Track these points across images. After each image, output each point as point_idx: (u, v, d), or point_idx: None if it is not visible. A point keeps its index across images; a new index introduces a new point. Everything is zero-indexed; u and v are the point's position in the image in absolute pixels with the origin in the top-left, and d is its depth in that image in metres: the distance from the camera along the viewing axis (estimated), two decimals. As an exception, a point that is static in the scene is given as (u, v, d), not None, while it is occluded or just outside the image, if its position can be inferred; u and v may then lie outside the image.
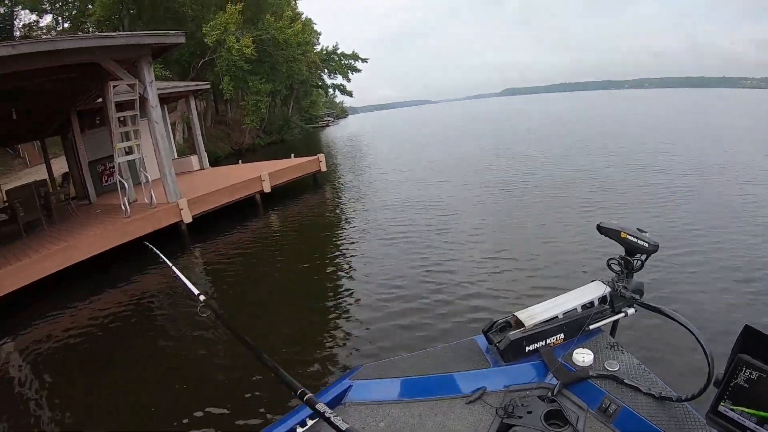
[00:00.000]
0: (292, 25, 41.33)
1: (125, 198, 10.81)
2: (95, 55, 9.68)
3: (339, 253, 9.04)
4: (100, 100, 12.79)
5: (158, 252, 3.73)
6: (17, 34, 37.45)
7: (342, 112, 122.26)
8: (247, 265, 9.32)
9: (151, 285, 8.96)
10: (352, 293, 6.91)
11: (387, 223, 10.26)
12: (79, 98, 13.44)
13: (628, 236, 2.63)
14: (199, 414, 4.47)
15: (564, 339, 2.52)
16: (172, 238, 10.99)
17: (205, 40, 34.63)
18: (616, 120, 33.62)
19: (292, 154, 17.27)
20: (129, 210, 10.71)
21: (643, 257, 2.67)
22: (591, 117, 39.29)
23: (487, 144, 24.08)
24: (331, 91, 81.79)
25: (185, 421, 4.42)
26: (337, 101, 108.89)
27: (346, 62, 75.14)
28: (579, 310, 2.61)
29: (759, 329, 1.46)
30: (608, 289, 2.64)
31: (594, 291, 2.69)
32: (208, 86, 24.29)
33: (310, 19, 53.34)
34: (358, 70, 76.21)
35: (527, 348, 2.49)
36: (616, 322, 2.68)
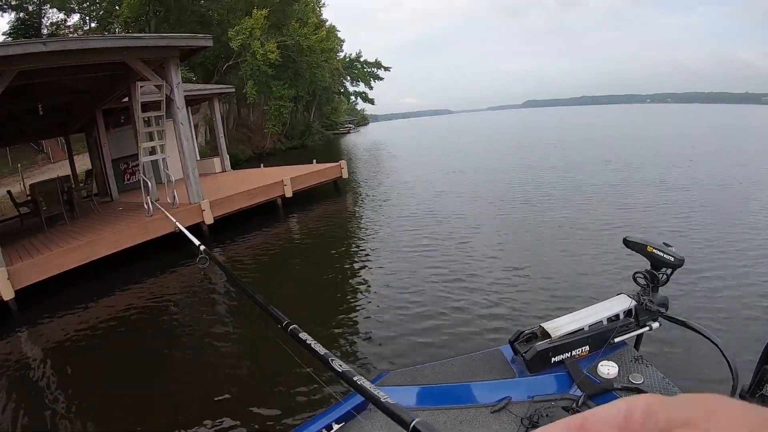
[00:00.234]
0: (316, 31, 41.54)
1: (148, 197, 10.85)
2: (124, 55, 9.73)
3: (358, 262, 8.95)
4: (125, 99, 12.89)
5: (164, 210, 3.77)
6: (44, 32, 37.94)
7: (363, 120, 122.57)
8: (265, 269, 9.30)
9: (172, 284, 8.97)
10: (370, 304, 6.81)
11: (407, 234, 10.15)
12: (105, 97, 13.53)
13: (654, 250, 2.59)
14: (216, 411, 4.44)
15: (589, 351, 2.50)
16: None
17: (231, 44, 34.85)
18: (643, 135, 33.30)
19: (314, 160, 17.27)
20: (151, 209, 10.74)
21: (669, 271, 2.63)
22: (622, 132, 38.94)
23: (509, 156, 23.93)
24: (352, 98, 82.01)
25: (203, 418, 4.39)
26: (359, 108, 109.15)
27: (368, 70, 75.35)
28: (604, 322, 2.59)
29: None
30: (634, 303, 2.62)
31: (619, 304, 2.66)
32: (233, 90, 24.40)
33: (334, 26, 53.56)
34: (381, 79, 76.37)
35: (553, 359, 2.47)
36: (640, 335, 2.65)
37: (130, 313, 7.58)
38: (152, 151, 11.28)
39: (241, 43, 34.76)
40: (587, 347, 2.50)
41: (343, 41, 63.45)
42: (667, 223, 9.35)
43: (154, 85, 10.40)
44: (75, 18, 41.07)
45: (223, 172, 20.32)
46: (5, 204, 17.63)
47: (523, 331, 2.64)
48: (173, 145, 11.22)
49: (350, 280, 8.00)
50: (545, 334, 2.55)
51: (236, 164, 24.67)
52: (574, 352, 2.49)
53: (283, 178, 13.80)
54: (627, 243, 2.74)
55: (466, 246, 8.83)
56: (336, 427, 2.32)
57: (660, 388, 2.17)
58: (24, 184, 22.03)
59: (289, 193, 13.84)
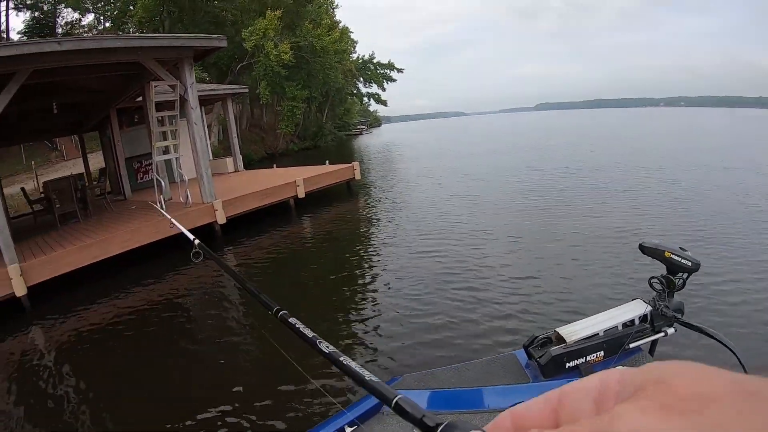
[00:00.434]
0: (329, 33, 41.67)
1: (161, 196, 10.87)
2: (138, 54, 9.76)
3: (370, 266, 8.88)
4: (139, 99, 12.94)
5: (163, 211, 3.80)
6: (59, 31, 38.27)
7: (375, 121, 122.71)
8: (276, 270, 9.28)
9: (183, 283, 8.98)
10: (382, 308, 6.71)
11: (419, 238, 10.03)
12: (119, 96, 13.59)
13: (671, 255, 2.55)
14: (225, 413, 4.42)
15: (604, 357, 2.47)
16: (205, 238, 10.96)
17: (244, 44, 35.03)
18: (659, 139, 33.10)
19: (327, 161, 17.26)
20: (164, 208, 10.75)
21: (685, 276, 2.59)
22: (639, 135, 38.70)
23: (522, 160, 23.81)
24: (365, 99, 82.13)
25: (212, 419, 4.36)
26: (371, 110, 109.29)
27: (381, 71, 75.52)
28: (620, 328, 2.56)
29: None
30: (649, 308, 2.58)
31: (635, 309, 2.62)
32: (246, 90, 24.49)
33: (347, 27, 53.70)
34: (394, 80, 76.55)
35: (567, 364, 2.44)
36: (655, 341, 2.60)
37: (141, 312, 7.58)
38: (166, 151, 11.32)
39: (254, 43, 34.91)
40: (602, 353, 2.48)
41: (356, 42, 63.66)
42: (681, 227, 9.26)
43: (168, 85, 10.43)
44: (89, 18, 41.53)
45: (235, 172, 20.39)
46: (19, 201, 17.74)
47: (538, 336, 2.61)
48: (186, 144, 11.25)
49: (362, 284, 7.93)
50: (560, 339, 2.52)
51: (249, 164, 24.75)
52: (588, 358, 2.46)
53: (296, 179, 13.79)
54: (643, 249, 2.71)
55: (478, 251, 8.73)
56: (348, 430, 2.29)
57: None
58: (38, 182, 22.19)
59: (301, 194, 13.83)
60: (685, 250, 2.57)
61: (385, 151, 39.41)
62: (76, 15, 40.53)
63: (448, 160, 26.56)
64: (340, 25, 51.63)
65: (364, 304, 7.04)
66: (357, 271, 8.62)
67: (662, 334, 2.57)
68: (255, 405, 4.56)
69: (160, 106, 10.74)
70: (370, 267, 8.79)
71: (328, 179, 15.31)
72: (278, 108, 43.40)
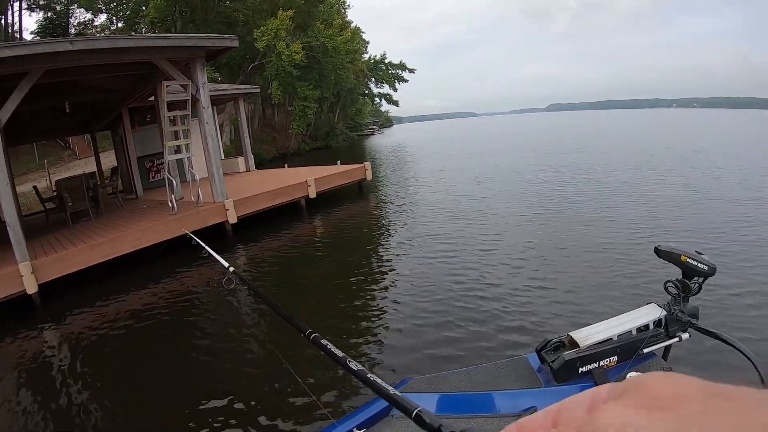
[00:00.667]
0: (341, 33, 41.73)
1: (173, 195, 10.90)
2: (150, 54, 9.79)
3: (380, 267, 8.79)
4: (151, 98, 12.98)
5: (192, 235, 3.81)
6: (72, 31, 38.56)
7: (387, 121, 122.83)
8: (286, 271, 9.24)
9: (193, 282, 8.97)
10: (391, 310, 6.62)
11: (430, 239, 9.92)
12: (131, 95, 13.65)
13: (688, 259, 2.50)
14: (232, 413, 4.39)
15: (617, 362, 2.43)
16: (216, 237, 11.04)
17: (256, 44, 35.13)
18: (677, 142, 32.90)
19: (338, 161, 17.25)
20: (176, 207, 10.78)
21: (701, 280, 2.54)
22: (653, 137, 38.47)
23: (534, 161, 23.69)
24: (377, 99, 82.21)
25: (219, 420, 4.34)
26: (383, 110, 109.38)
27: (393, 72, 75.57)
28: (634, 332, 2.51)
29: None
30: (664, 312, 2.53)
31: (649, 313, 2.58)
32: (258, 90, 24.54)
33: (358, 27, 53.73)
34: (405, 80, 76.61)
35: (580, 369, 2.40)
36: (669, 346, 2.56)
37: (151, 311, 7.58)
38: (177, 150, 11.35)
39: (266, 43, 35.00)
40: (615, 357, 2.44)
41: (367, 43, 63.68)
42: (696, 231, 9.16)
43: (180, 85, 10.45)
44: (102, 18, 41.82)
45: (247, 171, 20.45)
46: (31, 199, 17.85)
47: (551, 340, 2.57)
48: (198, 144, 11.27)
49: (372, 286, 7.85)
50: (573, 344, 2.48)
51: (260, 164, 24.81)
52: (602, 363, 2.43)
53: (308, 179, 13.79)
54: (659, 252, 2.66)
55: (489, 254, 8.63)
56: None
57: None
58: (50, 180, 22.34)
59: (313, 194, 13.82)
60: (702, 254, 2.52)
61: (397, 152, 39.32)
62: (89, 15, 40.91)
63: (460, 161, 26.48)
64: (352, 25, 51.66)
65: (373, 305, 6.98)
66: (367, 273, 8.57)
67: (676, 339, 2.53)
68: (264, 407, 4.54)
69: (172, 105, 10.77)
70: (380, 268, 8.73)
71: (339, 179, 15.30)
72: (290, 108, 43.49)
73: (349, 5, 54.58)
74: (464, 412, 2.33)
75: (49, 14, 38.73)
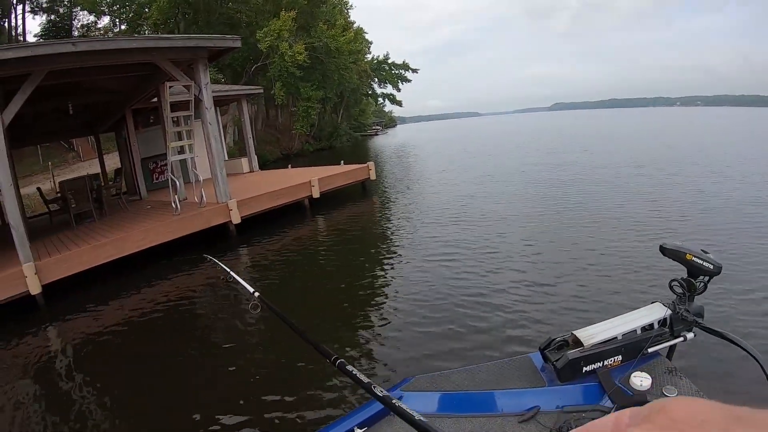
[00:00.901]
0: (344, 33, 41.76)
1: (176, 196, 10.90)
2: (153, 55, 9.80)
3: (383, 268, 8.72)
4: (155, 99, 13.00)
5: (217, 261, 3.80)
6: (75, 34, 38.74)
7: (390, 122, 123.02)
8: (289, 271, 9.21)
9: (197, 282, 8.98)
10: (393, 311, 6.58)
11: (433, 239, 9.86)
12: (135, 97, 13.68)
13: (693, 258, 2.48)
14: (233, 414, 4.39)
15: (622, 361, 2.41)
16: (220, 238, 11.05)
17: (259, 45, 35.19)
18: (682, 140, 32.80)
19: (342, 161, 17.25)
20: (179, 207, 10.79)
21: (706, 279, 2.52)
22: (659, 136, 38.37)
23: (538, 161, 23.63)
24: (380, 100, 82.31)
25: (220, 421, 4.34)
26: (386, 110, 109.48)
27: (396, 72, 75.63)
28: (638, 332, 2.49)
29: None
30: (669, 312, 2.51)
31: (654, 313, 2.55)
32: (261, 91, 24.58)
33: (361, 28, 53.76)
34: (408, 80, 76.69)
35: (584, 368, 2.38)
36: (674, 346, 2.54)
37: (155, 312, 7.58)
38: (181, 151, 11.36)
39: (269, 44, 35.04)
40: (620, 357, 2.42)
41: (370, 43, 63.72)
42: (703, 230, 9.12)
43: (183, 86, 10.46)
44: (105, 20, 41.98)
45: (251, 172, 20.48)
46: (35, 201, 17.90)
47: (555, 339, 2.55)
48: (202, 144, 11.27)
49: (375, 286, 7.81)
50: (577, 342, 2.46)
51: (264, 165, 24.82)
52: (606, 362, 2.41)
53: (311, 179, 13.79)
54: (664, 250, 2.64)
55: (493, 253, 8.58)
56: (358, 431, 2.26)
57: None
58: (54, 182, 22.43)
59: (316, 194, 13.82)
60: (707, 253, 2.50)
61: (401, 152, 39.29)
62: (92, 18, 41.11)
63: (463, 161, 26.46)
64: (355, 25, 51.67)
65: (376, 306, 6.94)
66: (370, 274, 8.54)
67: (681, 338, 2.51)
68: (266, 406, 4.53)
69: (175, 106, 10.77)
70: (383, 269, 8.70)
71: (342, 179, 15.29)
72: (293, 109, 43.55)
73: (351, 6, 54.71)
74: (466, 411, 2.32)
75: (53, 17, 38.92)
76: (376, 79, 73.74)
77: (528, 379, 2.46)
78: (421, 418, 1.00)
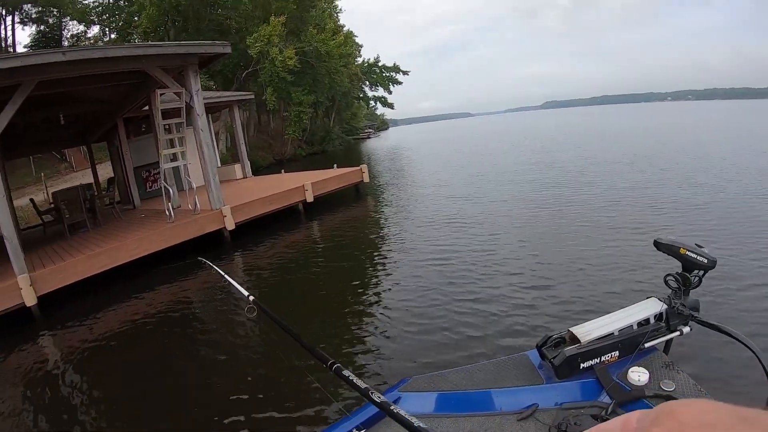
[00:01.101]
0: (334, 37, 41.80)
1: (170, 203, 10.89)
2: (142, 63, 9.78)
3: (377, 270, 8.74)
4: (146, 108, 12.98)
5: (211, 264, 3.82)
6: (65, 44, 38.69)
7: (383, 124, 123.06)
8: (283, 276, 9.20)
9: (192, 289, 8.97)
10: (388, 313, 6.58)
11: (427, 243, 9.78)
12: (126, 105, 13.65)
13: (687, 252, 2.50)
14: (240, 415, 4.39)
15: (619, 357, 2.42)
16: (214, 244, 11.03)
17: (249, 51, 35.15)
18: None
19: (335, 165, 17.27)
20: (173, 215, 10.77)
21: (701, 273, 2.54)
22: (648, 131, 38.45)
23: (530, 160, 23.63)
24: (372, 103, 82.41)
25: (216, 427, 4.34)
26: (378, 113, 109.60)
27: (387, 74, 75.79)
28: (635, 327, 2.50)
29: None
30: (665, 306, 2.52)
31: (650, 308, 2.57)
32: (252, 96, 24.60)
33: (351, 31, 53.82)
34: (399, 83, 76.82)
35: (582, 365, 2.39)
36: (670, 340, 2.55)
37: (151, 320, 7.57)
38: (173, 158, 11.33)
39: (259, 50, 35.01)
40: (617, 353, 2.43)
41: (361, 46, 63.82)
42: (698, 224, 9.15)
43: (174, 93, 10.44)
44: (95, 30, 41.94)
45: (244, 178, 20.47)
46: (29, 212, 17.85)
47: (551, 336, 2.56)
48: (194, 152, 11.26)
49: (369, 290, 7.79)
50: (574, 339, 2.47)
51: (257, 171, 24.84)
52: (603, 358, 2.42)
53: (304, 183, 13.77)
54: (658, 245, 2.66)
55: (488, 253, 8.58)
56: None
57: (692, 394, 2.09)
58: (47, 193, 22.38)
59: (310, 198, 13.81)
60: (702, 247, 2.52)
61: (393, 154, 39.34)
62: (82, 27, 41.06)
63: (455, 162, 26.52)
64: (344, 29, 51.72)
65: (371, 310, 6.91)
66: (365, 277, 8.53)
67: (678, 333, 2.52)
68: (262, 410, 4.54)
69: (167, 113, 10.75)
70: (378, 272, 8.69)
71: (336, 183, 15.30)
72: (285, 114, 43.57)
73: (341, 9, 54.75)
74: (465, 411, 2.32)
75: (42, 27, 38.85)
76: (367, 82, 73.88)
77: (525, 377, 2.47)
78: (420, 425, 1.01)
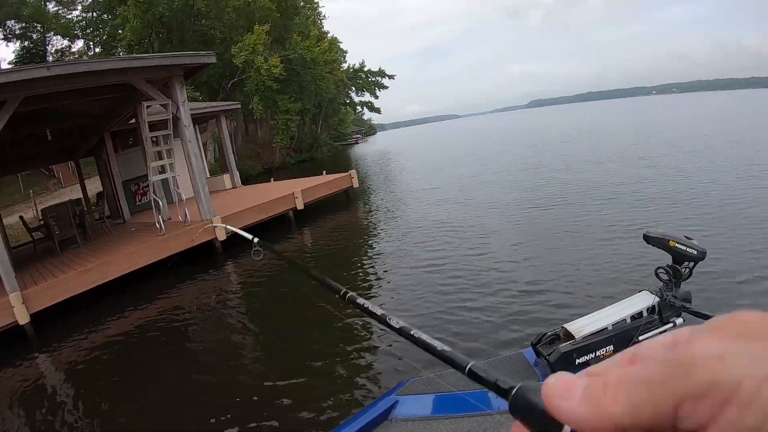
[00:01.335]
0: (318, 44, 41.78)
1: (160, 216, 10.84)
2: (128, 75, 9.75)
3: (368, 276, 8.81)
4: (133, 120, 12.94)
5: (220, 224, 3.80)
6: (50, 59, 38.48)
7: (370, 129, 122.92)
8: (274, 285, 9.16)
9: (185, 300, 8.95)
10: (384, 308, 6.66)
11: (418, 246, 9.86)
12: (112, 119, 13.59)
13: (677, 244, 2.52)
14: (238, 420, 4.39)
15: (614, 351, 2.44)
16: (206, 255, 10.99)
17: (234, 60, 35.10)
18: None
19: (324, 171, 17.26)
20: (164, 228, 10.73)
21: (692, 265, 2.56)
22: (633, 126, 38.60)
23: (517, 160, 23.69)
24: (358, 108, 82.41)
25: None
26: (365, 118, 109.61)
27: (373, 79, 75.77)
28: (628, 321, 2.53)
29: None
30: (657, 299, 2.55)
31: (642, 301, 2.59)
32: (239, 106, 24.55)
33: (336, 37, 53.86)
34: (385, 87, 76.93)
35: (577, 360, 2.40)
36: (663, 332, 2.56)
37: (142, 332, 7.58)
38: (162, 170, 11.30)
39: (244, 59, 35.00)
40: (611, 347, 2.45)
41: (345, 52, 63.82)
42: (686, 215, 9.20)
43: (160, 105, 10.41)
44: (79, 44, 41.73)
45: (233, 188, 20.38)
46: (19, 231, 17.73)
47: (546, 333, 2.58)
48: (182, 163, 11.22)
49: (363, 294, 7.79)
50: (568, 336, 2.49)
51: (246, 180, 24.76)
52: (598, 353, 2.43)
53: (294, 191, 13.75)
54: (647, 238, 2.68)
55: (479, 253, 8.62)
56: None
57: None
58: (36, 210, 22.23)
59: (300, 206, 13.78)
60: (691, 239, 2.54)
61: (381, 159, 39.39)
62: (66, 42, 40.83)
63: (443, 164, 26.56)
64: (329, 35, 51.74)
65: (366, 315, 6.92)
66: (359, 282, 8.54)
67: (671, 324, 2.54)
68: (259, 414, 4.54)
69: (154, 126, 10.71)
70: (370, 276, 8.75)
71: (325, 189, 15.27)
72: (272, 122, 43.49)
73: (324, 16, 54.73)
74: (463, 411, 2.33)
75: (26, 43, 38.65)
76: (353, 88, 73.88)
77: (522, 375, 2.47)
78: (444, 348, 1.02)
